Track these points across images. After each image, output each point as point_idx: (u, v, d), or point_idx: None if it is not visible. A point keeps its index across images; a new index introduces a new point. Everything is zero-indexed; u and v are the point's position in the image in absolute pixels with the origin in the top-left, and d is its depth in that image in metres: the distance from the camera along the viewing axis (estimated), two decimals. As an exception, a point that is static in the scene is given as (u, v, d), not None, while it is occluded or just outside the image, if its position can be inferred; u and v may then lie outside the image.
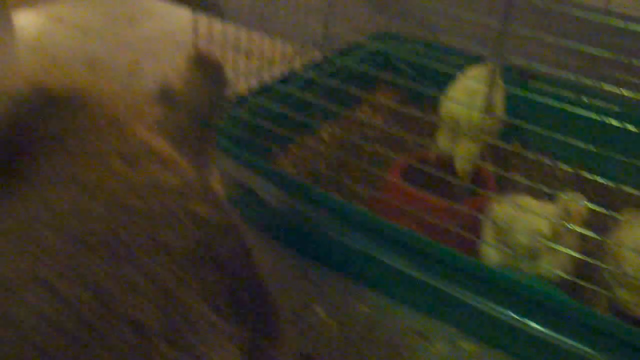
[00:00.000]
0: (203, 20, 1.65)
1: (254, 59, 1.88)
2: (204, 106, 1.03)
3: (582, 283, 1.30)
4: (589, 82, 1.35)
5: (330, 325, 1.34)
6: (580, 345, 1.25)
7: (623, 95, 1.31)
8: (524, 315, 1.28)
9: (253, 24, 1.82)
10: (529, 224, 1.34)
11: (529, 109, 1.68)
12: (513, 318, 1.29)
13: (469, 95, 1.52)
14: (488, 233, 1.39)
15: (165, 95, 1.01)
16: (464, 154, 1.56)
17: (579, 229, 1.31)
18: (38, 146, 0.74)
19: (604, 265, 1.33)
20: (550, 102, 1.45)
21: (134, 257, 0.68)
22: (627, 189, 1.27)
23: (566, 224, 1.30)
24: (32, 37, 2.49)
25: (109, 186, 0.73)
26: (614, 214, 1.29)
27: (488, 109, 1.42)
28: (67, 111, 0.78)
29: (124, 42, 2.50)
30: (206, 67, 1.06)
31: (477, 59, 1.66)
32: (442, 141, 1.61)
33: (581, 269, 1.39)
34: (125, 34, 2.58)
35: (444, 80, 1.64)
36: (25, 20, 2.64)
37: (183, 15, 2.79)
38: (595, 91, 1.65)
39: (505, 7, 1.21)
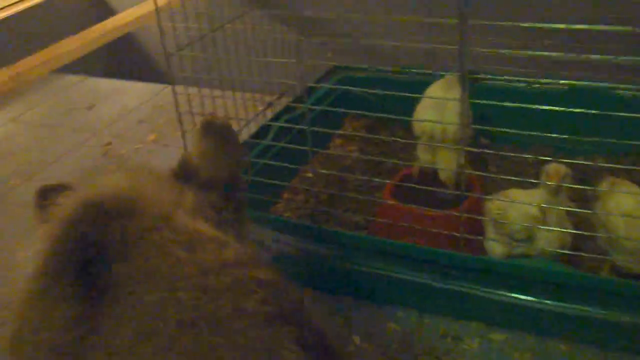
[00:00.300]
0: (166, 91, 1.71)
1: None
2: (224, 172, 1.08)
3: (582, 254, 1.44)
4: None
5: (368, 350, 1.44)
6: (592, 309, 1.38)
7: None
8: (540, 296, 1.41)
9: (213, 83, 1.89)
10: (521, 211, 1.47)
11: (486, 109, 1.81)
12: (531, 301, 1.42)
13: (437, 109, 1.65)
14: (488, 230, 1.52)
15: (186, 173, 1.06)
16: (445, 163, 1.68)
17: (563, 207, 1.45)
18: (107, 253, 0.85)
19: (598, 234, 1.46)
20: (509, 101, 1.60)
21: (224, 327, 0.78)
22: (600, 162, 1.42)
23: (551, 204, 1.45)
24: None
25: (183, 273, 0.83)
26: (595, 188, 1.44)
27: (461, 118, 1.55)
28: (121, 219, 0.88)
29: (87, 128, 2.57)
30: (215, 133, 1.10)
31: (432, 77, 1.80)
32: (423, 156, 1.74)
33: (578, 242, 1.52)
34: (86, 119, 2.66)
35: (408, 102, 1.76)
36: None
37: (141, 91, 2.88)
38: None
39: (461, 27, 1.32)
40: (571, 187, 1.48)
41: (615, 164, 1.66)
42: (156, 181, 1.02)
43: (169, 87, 2.51)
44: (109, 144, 2.41)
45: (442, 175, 1.70)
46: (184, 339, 0.77)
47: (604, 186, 1.51)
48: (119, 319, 0.81)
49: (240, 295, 0.81)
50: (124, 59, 3.48)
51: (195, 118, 1.72)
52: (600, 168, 1.67)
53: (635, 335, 1.36)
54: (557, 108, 1.39)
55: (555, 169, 1.47)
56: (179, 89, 1.67)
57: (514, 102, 1.48)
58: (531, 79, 1.95)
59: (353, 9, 2.50)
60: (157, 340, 0.78)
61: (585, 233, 1.46)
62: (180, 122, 1.70)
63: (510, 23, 1.37)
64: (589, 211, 1.49)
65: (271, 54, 1.81)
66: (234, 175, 1.11)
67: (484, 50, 1.38)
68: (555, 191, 1.45)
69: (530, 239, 1.47)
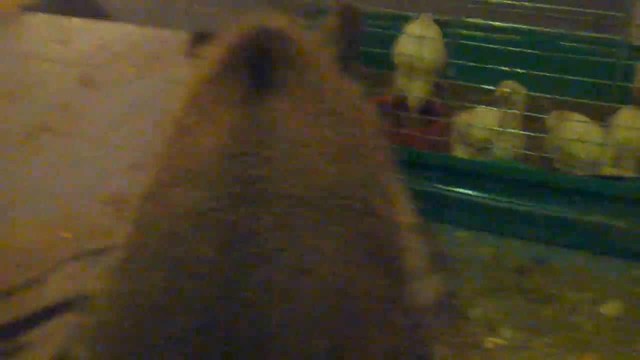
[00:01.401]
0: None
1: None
2: (344, 44, 1.29)
3: (533, 153, 1.76)
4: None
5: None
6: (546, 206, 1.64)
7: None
8: (496, 194, 1.67)
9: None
10: (481, 121, 1.76)
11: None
12: (487, 198, 1.67)
13: (416, 43, 1.89)
14: (455, 139, 1.78)
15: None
16: (418, 90, 1.92)
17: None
18: (275, 64, 1.04)
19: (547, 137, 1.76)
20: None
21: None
22: (545, 96, 1.70)
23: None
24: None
25: (331, 107, 1.04)
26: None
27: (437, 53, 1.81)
28: (285, 42, 1.08)
29: (63, 60, 2.65)
30: (345, 14, 1.32)
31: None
32: (400, 83, 1.97)
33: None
34: (61, 52, 2.72)
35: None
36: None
37: (116, 29, 2.96)
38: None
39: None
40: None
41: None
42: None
43: (144, 27, 2.66)
44: (86, 73, 2.51)
45: (412, 101, 1.94)
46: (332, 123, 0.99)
47: (553, 117, 1.80)
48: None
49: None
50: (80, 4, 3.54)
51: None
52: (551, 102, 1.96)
53: (580, 231, 1.63)
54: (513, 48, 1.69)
55: (506, 83, 1.77)
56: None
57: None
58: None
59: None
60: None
61: (540, 135, 1.74)
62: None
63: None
64: (542, 135, 1.77)
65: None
66: (352, 49, 1.32)
67: None
68: (506, 101, 1.73)
69: (489, 146, 1.74)
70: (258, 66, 1.04)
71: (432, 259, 1.13)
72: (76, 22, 3.02)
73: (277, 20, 1.15)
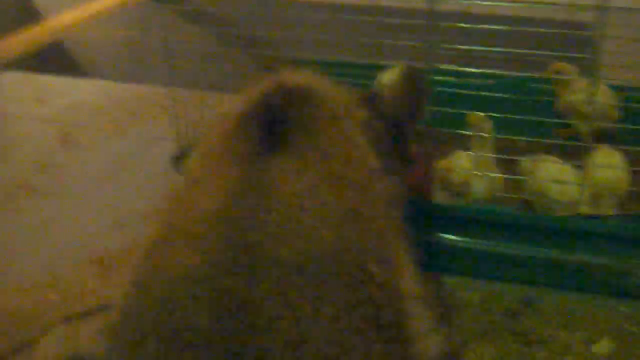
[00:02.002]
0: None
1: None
2: (404, 113, 1.27)
3: (512, 195, 1.79)
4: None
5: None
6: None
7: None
8: (481, 238, 1.69)
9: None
10: (458, 167, 1.79)
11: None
12: (471, 242, 1.69)
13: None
14: (436, 185, 1.81)
15: (372, 100, 1.24)
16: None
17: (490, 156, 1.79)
18: (289, 125, 1.05)
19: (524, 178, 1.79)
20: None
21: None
22: (522, 139, 1.75)
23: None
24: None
25: (338, 172, 1.04)
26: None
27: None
28: (303, 103, 1.09)
29: (41, 118, 2.64)
30: (411, 79, 1.30)
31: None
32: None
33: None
34: (40, 110, 2.72)
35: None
36: None
37: (92, 86, 2.96)
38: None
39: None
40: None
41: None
42: (337, 89, 1.21)
43: (122, 84, 2.67)
44: (66, 132, 2.51)
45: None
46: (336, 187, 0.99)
47: (528, 160, 1.84)
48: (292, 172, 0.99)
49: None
50: (53, 62, 3.55)
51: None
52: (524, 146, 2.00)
53: (566, 271, 1.65)
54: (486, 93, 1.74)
55: (474, 115, 1.81)
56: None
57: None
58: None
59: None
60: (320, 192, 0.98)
61: (517, 177, 1.77)
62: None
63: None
64: (519, 177, 1.81)
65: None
66: (412, 118, 1.31)
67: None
68: (477, 138, 1.78)
69: (467, 190, 1.79)
70: (270, 125, 1.05)
71: (437, 310, 1.13)
72: (53, 79, 3.02)
73: (300, 79, 1.16)
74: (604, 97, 2.01)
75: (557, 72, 2.02)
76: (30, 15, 3.66)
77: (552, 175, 1.76)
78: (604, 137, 2.08)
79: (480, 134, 1.78)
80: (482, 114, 1.79)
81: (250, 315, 0.84)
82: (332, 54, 2.17)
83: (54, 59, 3.58)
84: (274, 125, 1.05)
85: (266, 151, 1.02)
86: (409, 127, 1.30)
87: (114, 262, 1.74)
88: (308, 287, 0.88)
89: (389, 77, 2.00)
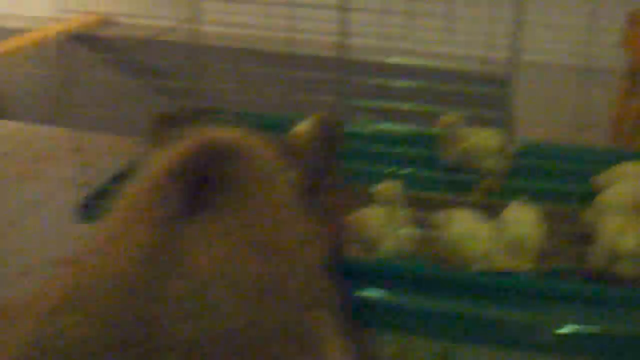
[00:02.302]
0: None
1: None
2: (319, 162, 1.21)
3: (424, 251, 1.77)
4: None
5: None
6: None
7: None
8: (394, 293, 1.66)
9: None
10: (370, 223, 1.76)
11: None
12: (385, 297, 1.66)
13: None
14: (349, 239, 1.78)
15: (288, 151, 1.17)
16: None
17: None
18: (213, 186, 0.98)
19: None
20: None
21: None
22: (434, 195, 1.75)
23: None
24: None
25: (263, 239, 0.97)
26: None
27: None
28: (230, 162, 1.02)
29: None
30: (326, 128, 1.23)
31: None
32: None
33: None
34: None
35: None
36: None
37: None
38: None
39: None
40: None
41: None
42: (266, 145, 1.13)
43: (31, 125, 2.57)
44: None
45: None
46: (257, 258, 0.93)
47: (440, 216, 1.84)
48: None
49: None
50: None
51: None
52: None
53: (481, 326, 1.64)
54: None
55: (383, 187, 1.79)
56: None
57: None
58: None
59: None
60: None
61: (429, 233, 1.76)
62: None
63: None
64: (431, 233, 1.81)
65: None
66: (327, 168, 1.25)
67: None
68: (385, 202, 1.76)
69: (377, 245, 1.76)
70: (192, 186, 0.98)
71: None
72: None
73: (230, 136, 1.09)
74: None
75: (447, 125, 2.00)
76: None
77: (465, 230, 1.76)
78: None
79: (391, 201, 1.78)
80: (391, 185, 1.79)
81: None
82: (245, 105, 2.16)
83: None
84: (197, 186, 0.98)
85: (185, 215, 0.95)
86: (324, 179, 1.24)
87: (16, 311, 1.62)
88: None
89: (303, 128, 1.98)
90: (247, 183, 1.02)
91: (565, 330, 1.58)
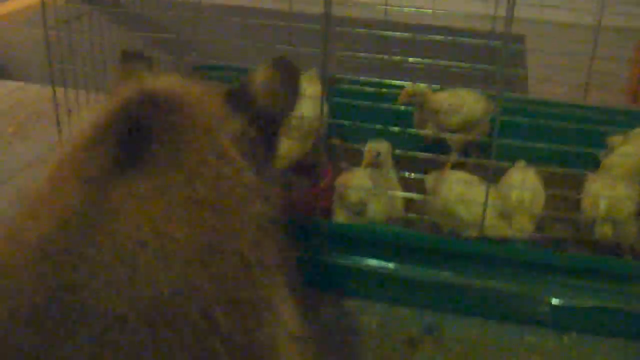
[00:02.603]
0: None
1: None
2: (275, 111, 1.09)
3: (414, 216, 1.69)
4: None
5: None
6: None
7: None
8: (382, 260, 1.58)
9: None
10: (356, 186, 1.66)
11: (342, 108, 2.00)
12: (372, 265, 1.58)
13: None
14: (336, 201, 1.68)
15: (239, 94, 1.06)
16: (283, 152, 1.82)
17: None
18: (150, 139, 0.90)
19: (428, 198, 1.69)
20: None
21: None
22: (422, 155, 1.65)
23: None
24: None
25: (203, 196, 0.88)
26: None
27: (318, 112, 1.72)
28: (169, 113, 0.94)
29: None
30: (283, 73, 1.11)
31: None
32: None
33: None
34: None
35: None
36: None
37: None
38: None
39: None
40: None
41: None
42: (211, 95, 1.04)
43: (32, 85, 2.53)
44: (-36, 135, 2.35)
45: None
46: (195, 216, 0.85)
47: (431, 177, 1.74)
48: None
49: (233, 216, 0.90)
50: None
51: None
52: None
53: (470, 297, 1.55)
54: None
55: (369, 147, 1.70)
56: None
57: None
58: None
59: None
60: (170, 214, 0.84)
61: (419, 197, 1.67)
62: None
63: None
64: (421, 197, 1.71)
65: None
66: (289, 110, 1.13)
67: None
68: (370, 165, 1.68)
69: (364, 209, 1.66)
70: (128, 140, 0.89)
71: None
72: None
73: (170, 84, 1.01)
74: (473, 108, 1.94)
75: (412, 94, 1.90)
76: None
77: (458, 194, 1.65)
78: (474, 148, 2.03)
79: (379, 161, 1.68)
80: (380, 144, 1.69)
81: None
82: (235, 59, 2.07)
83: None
84: (130, 140, 0.89)
85: (116, 172, 0.86)
86: (280, 124, 1.11)
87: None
88: (130, 344, 0.73)
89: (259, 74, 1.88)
90: (185, 135, 0.93)
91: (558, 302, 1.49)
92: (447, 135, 1.92)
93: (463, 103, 1.93)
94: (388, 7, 1.97)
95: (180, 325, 0.76)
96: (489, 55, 1.84)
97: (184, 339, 0.76)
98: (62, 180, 0.89)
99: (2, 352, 0.73)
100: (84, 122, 1.00)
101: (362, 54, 1.63)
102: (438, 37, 1.62)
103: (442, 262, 1.56)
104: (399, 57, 1.77)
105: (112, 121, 0.93)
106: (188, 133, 0.94)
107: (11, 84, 2.78)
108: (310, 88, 1.81)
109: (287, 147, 1.83)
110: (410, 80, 1.95)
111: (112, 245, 0.79)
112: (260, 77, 1.11)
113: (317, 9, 1.54)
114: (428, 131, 1.93)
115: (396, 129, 1.69)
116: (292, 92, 1.13)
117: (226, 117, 1.01)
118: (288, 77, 1.12)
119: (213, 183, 0.90)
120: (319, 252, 1.58)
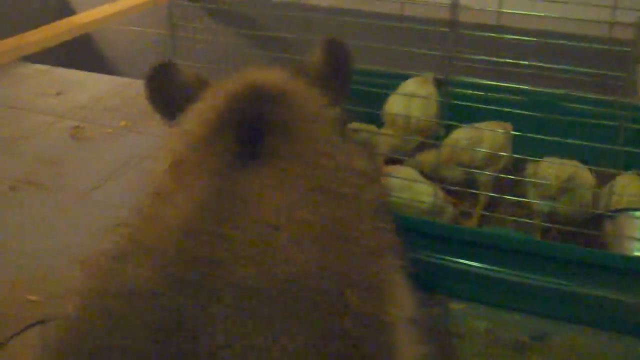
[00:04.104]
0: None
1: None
2: (333, 87, 1.12)
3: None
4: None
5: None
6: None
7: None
8: (493, 264, 1.57)
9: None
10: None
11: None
12: (482, 268, 1.57)
13: (407, 99, 1.81)
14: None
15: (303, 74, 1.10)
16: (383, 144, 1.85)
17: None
18: (265, 131, 0.96)
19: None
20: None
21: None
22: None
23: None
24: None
25: (324, 183, 0.93)
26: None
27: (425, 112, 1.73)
28: (278, 105, 0.99)
29: (55, 112, 2.61)
30: (334, 51, 1.15)
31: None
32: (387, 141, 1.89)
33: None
34: (54, 104, 2.68)
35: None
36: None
37: (109, 82, 2.93)
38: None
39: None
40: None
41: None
42: (309, 85, 1.09)
43: (136, 81, 2.62)
44: (78, 127, 2.46)
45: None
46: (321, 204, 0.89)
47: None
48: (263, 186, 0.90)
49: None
50: (81, 56, 3.55)
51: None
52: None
53: (582, 305, 1.52)
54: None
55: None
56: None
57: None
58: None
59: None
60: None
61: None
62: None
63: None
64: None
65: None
66: (341, 91, 1.16)
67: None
68: None
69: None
70: (247, 133, 0.95)
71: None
72: (72, 74, 2.98)
73: (273, 77, 1.05)
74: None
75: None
76: (65, 11, 3.66)
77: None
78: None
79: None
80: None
81: (194, 341, 0.74)
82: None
83: (81, 53, 3.57)
84: (249, 132, 0.95)
85: (242, 162, 0.92)
86: (340, 108, 1.13)
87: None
88: (267, 315, 0.77)
89: (405, 87, 1.90)
90: (298, 126, 0.97)
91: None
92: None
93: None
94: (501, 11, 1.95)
95: (313, 301, 0.79)
96: (600, 60, 1.80)
97: (317, 314, 0.79)
98: (188, 173, 0.94)
99: (154, 308, 0.77)
100: (192, 118, 1.05)
101: (477, 57, 1.63)
102: (560, 42, 1.59)
103: (553, 268, 1.53)
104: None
105: (226, 117, 0.98)
106: (298, 123, 0.98)
107: (120, 80, 2.90)
108: (422, 89, 1.82)
109: (390, 142, 1.86)
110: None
111: (249, 227, 0.84)
112: (312, 59, 1.14)
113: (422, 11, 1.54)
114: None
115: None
116: (343, 73, 1.15)
117: (326, 104, 1.06)
118: (336, 58, 1.14)
119: (331, 171, 0.94)
120: (426, 252, 1.58)
